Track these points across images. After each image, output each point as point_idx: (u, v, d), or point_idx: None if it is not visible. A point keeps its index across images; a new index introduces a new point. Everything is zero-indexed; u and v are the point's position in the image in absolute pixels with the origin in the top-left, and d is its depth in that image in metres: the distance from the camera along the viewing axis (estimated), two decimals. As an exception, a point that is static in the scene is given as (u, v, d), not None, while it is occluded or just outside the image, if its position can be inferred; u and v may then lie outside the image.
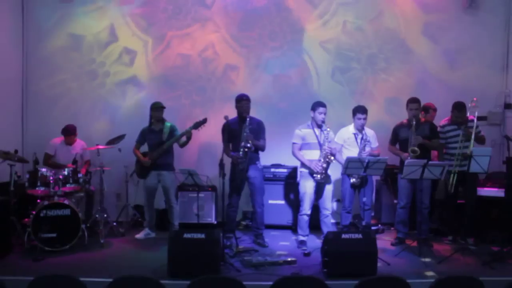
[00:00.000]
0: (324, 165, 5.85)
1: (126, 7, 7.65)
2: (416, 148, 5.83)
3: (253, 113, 6.21)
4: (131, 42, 7.67)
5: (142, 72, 7.69)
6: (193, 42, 7.66)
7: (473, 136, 5.73)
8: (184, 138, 6.33)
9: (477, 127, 5.79)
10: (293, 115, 7.21)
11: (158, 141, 6.38)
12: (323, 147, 5.88)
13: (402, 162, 5.98)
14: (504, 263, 5.28)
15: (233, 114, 6.17)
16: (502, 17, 7.48)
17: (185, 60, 7.67)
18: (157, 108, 6.40)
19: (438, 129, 6.24)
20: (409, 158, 5.76)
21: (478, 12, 7.46)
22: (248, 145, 5.86)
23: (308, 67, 7.63)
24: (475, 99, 5.86)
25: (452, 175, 5.82)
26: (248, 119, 5.94)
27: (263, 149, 6.19)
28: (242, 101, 6.07)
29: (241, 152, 5.89)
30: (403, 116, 6.31)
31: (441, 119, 6.51)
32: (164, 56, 7.69)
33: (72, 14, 7.65)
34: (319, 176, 5.86)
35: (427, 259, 5.46)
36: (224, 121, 5.90)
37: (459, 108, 6.05)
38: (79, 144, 6.85)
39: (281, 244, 6.21)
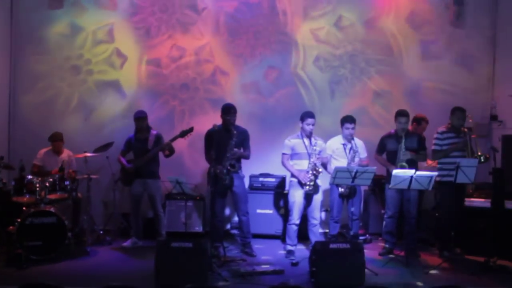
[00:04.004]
0: (312, 177, 5.86)
1: (116, 13, 7.65)
2: (405, 164, 5.85)
3: (243, 123, 6.18)
4: (123, 46, 7.65)
5: (129, 78, 7.63)
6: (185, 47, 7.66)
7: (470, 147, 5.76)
8: (166, 152, 6.33)
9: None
10: (282, 124, 7.22)
11: (143, 149, 6.35)
12: (311, 159, 5.89)
13: (389, 172, 6.00)
14: (491, 273, 5.31)
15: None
16: (488, 30, 7.60)
17: (171, 67, 7.64)
18: (139, 118, 6.39)
19: (436, 135, 6.09)
20: None
21: (465, 25, 7.59)
22: (233, 168, 5.86)
23: (299, 75, 7.63)
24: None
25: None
26: (235, 132, 5.90)
27: (247, 158, 6.18)
28: (230, 114, 5.97)
29: (225, 170, 5.88)
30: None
31: (430, 129, 6.55)
32: (153, 62, 7.66)
33: (60, 20, 7.60)
34: (307, 187, 5.85)
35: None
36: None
37: (459, 111, 6.01)
38: (66, 153, 6.79)
39: (269, 254, 6.18)
